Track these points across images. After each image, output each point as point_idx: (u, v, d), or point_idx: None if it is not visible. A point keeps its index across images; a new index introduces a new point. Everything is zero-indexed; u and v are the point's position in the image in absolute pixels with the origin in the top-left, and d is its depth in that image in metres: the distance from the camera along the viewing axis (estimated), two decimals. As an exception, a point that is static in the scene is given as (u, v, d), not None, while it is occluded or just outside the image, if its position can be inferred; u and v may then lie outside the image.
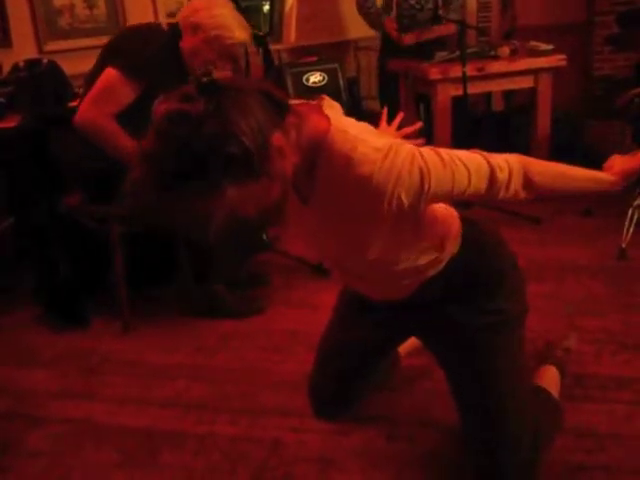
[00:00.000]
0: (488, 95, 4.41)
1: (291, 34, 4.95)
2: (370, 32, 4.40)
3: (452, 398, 1.68)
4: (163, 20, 4.14)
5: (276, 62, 4.47)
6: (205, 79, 1.17)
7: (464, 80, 3.32)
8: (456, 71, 3.37)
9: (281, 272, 3.15)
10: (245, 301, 2.84)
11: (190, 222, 1.28)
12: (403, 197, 1.30)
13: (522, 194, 1.44)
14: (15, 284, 3.16)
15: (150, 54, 2.44)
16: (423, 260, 1.54)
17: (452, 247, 1.58)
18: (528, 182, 1.43)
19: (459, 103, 3.48)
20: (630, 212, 3.09)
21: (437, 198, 1.39)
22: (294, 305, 2.81)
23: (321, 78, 4.44)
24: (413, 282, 1.59)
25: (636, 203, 3.10)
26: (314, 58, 4.53)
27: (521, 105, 4.20)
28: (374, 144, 1.32)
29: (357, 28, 4.80)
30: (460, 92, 3.39)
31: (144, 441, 2.01)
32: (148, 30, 2.60)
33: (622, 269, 2.88)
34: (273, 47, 4.33)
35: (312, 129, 1.33)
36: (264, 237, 3.35)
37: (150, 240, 2.97)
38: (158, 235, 2.96)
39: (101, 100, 2.42)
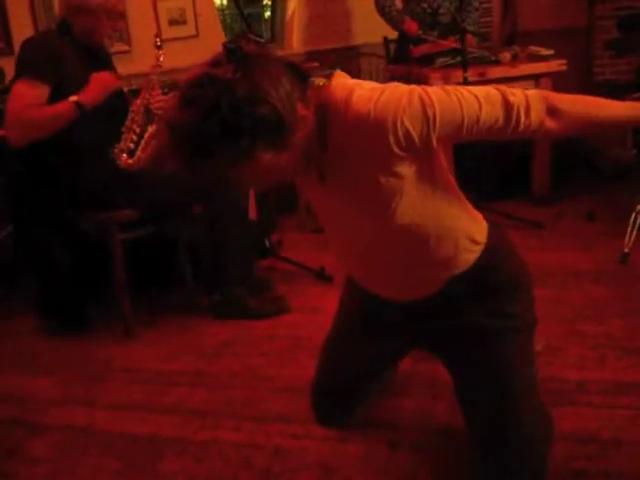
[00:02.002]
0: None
1: (293, 40, 4.96)
2: (373, 38, 4.40)
3: (461, 404, 1.66)
4: (166, 27, 4.18)
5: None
6: (232, 45, 1.18)
7: (465, 85, 3.33)
8: (457, 76, 3.37)
9: (283, 278, 3.15)
10: (269, 302, 2.85)
11: (217, 188, 1.28)
12: (408, 126, 1.27)
13: (550, 123, 1.37)
14: (17, 290, 3.17)
15: (49, 53, 2.49)
16: (459, 248, 1.53)
17: (481, 239, 1.57)
18: (553, 108, 1.37)
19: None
20: (633, 216, 3.08)
21: (449, 132, 1.32)
22: (296, 311, 2.81)
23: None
24: (442, 275, 1.55)
25: (639, 208, 3.09)
26: (316, 64, 4.54)
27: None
28: (371, 85, 1.32)
29: (360, 34, 4.81)
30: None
31: (146, 448, 2.01)
32: (35, 37, 2.67)
33: (625, 274, 2.87)
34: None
35: (323, 95, 1.34)
36: (266, 243, 3.36)
37: (152, 246, 2.98)
38: (160, 241, 2.98)
39: (16, 102, 2.46)
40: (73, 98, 2.44)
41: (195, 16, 4.29)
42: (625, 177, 3.86)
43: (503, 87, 1.37)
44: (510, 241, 1.70)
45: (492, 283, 1.61)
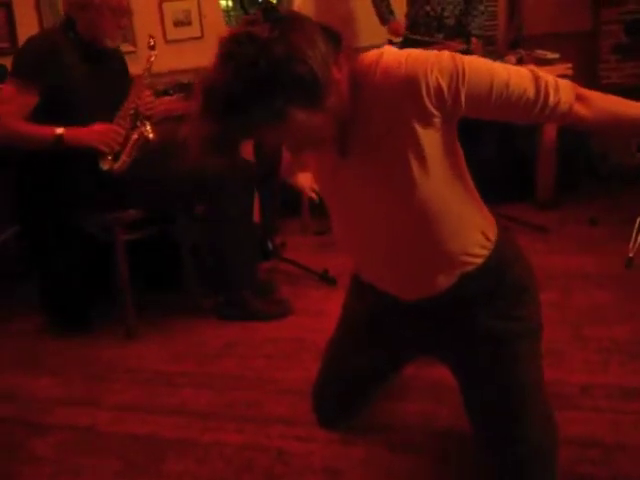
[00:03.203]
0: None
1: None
2: (378, 39, 4.39)
3: (467, 410, 1.65)
4: (171, 28, 4.18)
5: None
6: (268, 6, 1.19)
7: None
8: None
9: (287, 280, 3.15)
10: (272, 304, 2.85)
11: (253, 150, 1.29)
12: (438, 76, 1.27)
13: (579, 108, 1.37)
14: (21, 290, 3.17)
15: (38, 56, 2.48)
16: (471, 242, 1.52)
17: (492, 237, 1.56)
18: (581, 95, 1.37)
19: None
20: (638, 221, 3.08)
21: (478, 92, 1.31)
22: (300, 313, 2.80)
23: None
24: (453, 270, 1.54)
25: (644, 212, 3.09)
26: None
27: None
28: (400, 50, 1.34)
29: (364, 36, 4.79)
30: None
31: (148, 449, 2.01)
32: (37, 36, 2.63)
33: (629, 278, 2.86)
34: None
35: (355, 60, 1.35)
36: (269, 245, 3.35)
37: (155, 246, 2.98)
38: (163, 242, 2.98)
39: (2, 109, 2.46)
40: (59, 131, 2.42)
41: (200, 17, 4.29)
42: (629, 182, 3.86)
43: (531, 66, 1.38)
44: (518, 244, 1.70)
45: (501, 285, 1.60)
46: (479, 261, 1.55)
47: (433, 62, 1.29)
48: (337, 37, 1.29)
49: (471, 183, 1.55)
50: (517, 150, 4.00)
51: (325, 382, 1.92)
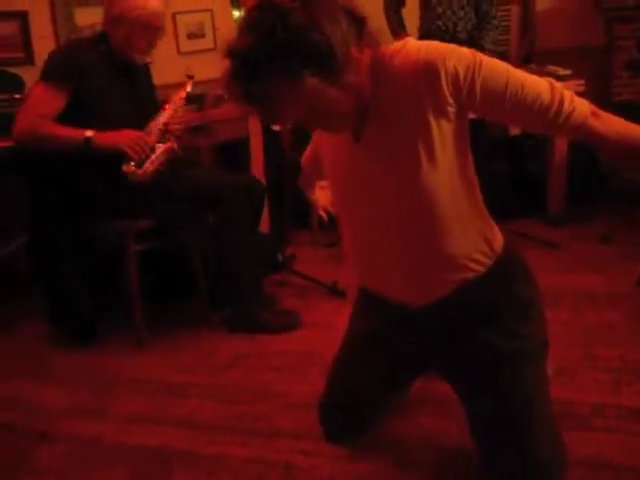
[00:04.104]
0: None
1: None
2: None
3: (472, 429, 1.65)
4: (184, 40, 4.20)
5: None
6: None
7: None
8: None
9: (296, 292, 3.15)
10: (280, 317, 2.84)
11: (274, 114, 1.34)
12: (456, 64, 1.31)
13: (592, 121, 1.37)
14: (31, 298, 3.18)
15: (69, 60, 2.51)
16: (472, 246, 1.52)
17: (497, 248, 1.56)
18: (596, 112, 1.39)
19: (477, 127, 3.47)
20: (650, 239, 3.07)
21: (493, 89, 1.33)
22: (309, 326, 2.80)
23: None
24: (454, 275, 1.53)
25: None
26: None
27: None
28: (422, 41, 1.39)
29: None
30: (477, 116, 3.38)
31: (155, 460, 2.00)
32: (68, 43, 2.71)
33: (640, 297, 2.84)
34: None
35: (378, 48, 1.39)
36: (279, 257, 3.35)
37: (166, 256, 2.99)
38: (174, 253, 2.99)
39: (31, 109, 2.49)
40: (89, 133, 2.44)
41: (213, 29, 4.31)
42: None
43: (549, 78, 1.41)
44: (524, 259, 1.69)
45: (506, 299, 1.59)
46: (481, 269, 1.55)
47: (452, 51, 1.33)
48: (361, 21, 1.33)
49: (479, 194, 1.55)
50: (528, 165, 3.99)
51: (331, 396, 1.91)
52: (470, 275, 1.54)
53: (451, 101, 1.34)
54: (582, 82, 3.53)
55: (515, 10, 4.61)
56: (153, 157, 2.59)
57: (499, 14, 3.95)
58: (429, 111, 1.35)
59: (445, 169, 1.42)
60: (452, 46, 1.35)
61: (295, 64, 1.22)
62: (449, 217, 1.47)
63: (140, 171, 2.56)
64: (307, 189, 2.08)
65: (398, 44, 1.40)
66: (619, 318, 2.66)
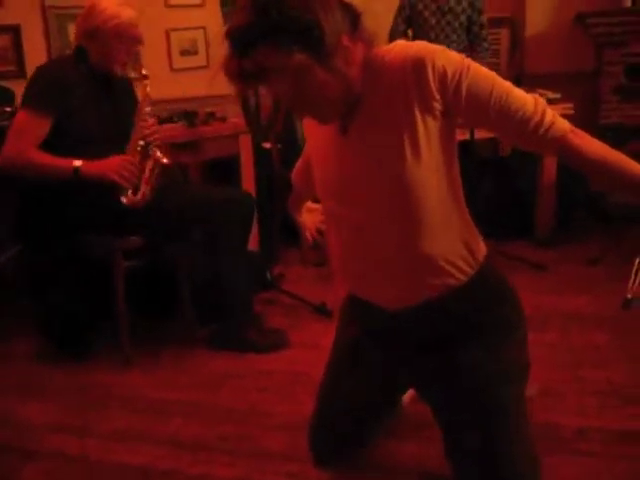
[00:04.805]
0: (495, 140, 4.44)
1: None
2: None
3: (447, 449, 1.64)
4: (177, 57, 4.22)
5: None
6: None
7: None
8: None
9: (284, 311, 3.14)
10: (268, 335, 2.83)
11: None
12: (445, 63, 1.35)
13: (571, 136, 1.40)
14: (17, 313, 3.16)
15: (51, 85, 2.51)
16: (452, 250, 1.52)
17: (480, 258, 1.57)
18: (575, 129, 1.42)
19: (465, 147, 3.50)
20: (637, 261, 3.08)
21: (478, 95, 1.37)
22: (296, 346, 2.79)
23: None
24: (435, 280, 1.53)
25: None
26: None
27: (528, 152, 4.22)
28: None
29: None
30: (467, 136, 3.41)
31: (139, 479, 1.98)
32: (47, 65, 2.66)
33: (627, 319, 2.85)
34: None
35: (372, 46, 1.45)
36: (268, 275, 3.35)
37: (153, 274, 2.98)
38: (161, 270, 2.98)
39: (15, 137, 2.49)
40: (77, 163, 2.44)
41: (206, 47, 4.33)
42: (629, 221, 3.87)
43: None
44: (508, 281, 1.69)
45: (491, 319, 1.60)
46: (462, 278, 1.55)
47: (442, 51, 1.38)
48: (356, 16, 1.40)
49: (463, 202, 1.56)
50: (517, 187, 4.02)
51: (318, 417, 1.90)
52: (451, 281, 1.54)
53: (437, 97, 1.37)
54: (571, 105, 3.58)
55: (505, 34, 4.66)
56: (145, 177, 2.59)
57: (489, 37, 4.00)
58: (415, 105, 1.38)
59: (430, 167, 1.44)
60: (442, 47, 1.40)
61: (286, 40, 1.29)
62: (431, 216, 1.48)
63: (139, 197, 2.58)
64: (295, 211, 2.09)
65: (390, 45, 1.46)
66: (606, 340, 2.67)
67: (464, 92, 1.37)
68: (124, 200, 2.55)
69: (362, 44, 1.42)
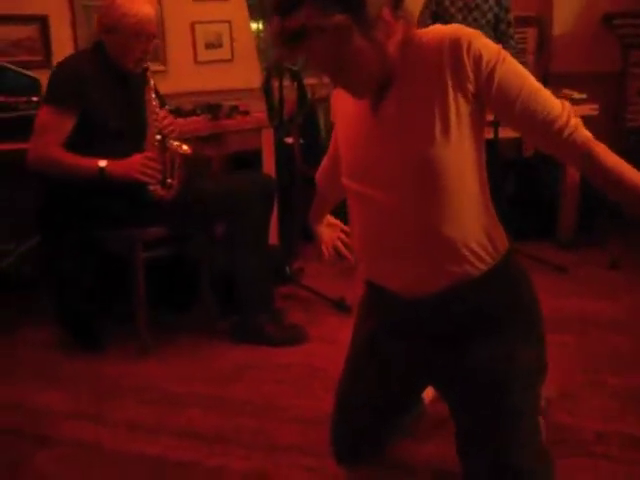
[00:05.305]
0: (519, 140, 4.41)
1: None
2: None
3: (458, 448, 1.62)
4: (202, 50, 4.23)
5: (309, 96, 4.50)
6: None
7: (495, 124, 3.32)
8: (488, 115, 3.37)
9: (303, 306, 3.14)
10: (286, 330, 2.84)
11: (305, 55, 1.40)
12: (481, 47, 1.37)
13: (594, 143, 1.41)
14: (35, 302, 3.19)
15: (73, 80, 2.52)
16: (473, 236, 1.50)
17: (500, 249, 1.55)
18: (595, 139, 1.42)
19: (489, 147, 3.47)
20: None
21: (510, 86, 1.39)
22: (314, 340, 2.79)
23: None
24: (454, 269, 1.51)
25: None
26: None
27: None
28: None
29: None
30: (491, 135, 3.38)
31: (153, 469, 1.99)
32: (66, 61, 2.66)
33: (648, 324, 2.82)
34: (307, 81, 4.38)
35: (410, 27, 1.46)
36: (287, 270, 3.35)
37: (172, 265, 2.99)
38: (181, 260, 2.99)
39: (41, 135, 2.51)
40: (102, 163, 2.47)
41: (231, 40, 4.34)
42: (653, 226, 3.82)
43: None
44: (527, 274, 1.67)
45: (511, 314, 1.58)
46: (482, 267, 1.53)
47: (480, 36, 1.41)
48: None
49: (488, 192, 1.55)
50: (540, 188, 3.98)
51: (339, 413, 1.88)
52: (471, 270, 1.52)
53: (471, 77, 1.38)
54: (596, 106, 3.54)
55: (532, 33, 4.62)
56: (169, 171, 2.61)
57: (516, 36, 3.97)
58: (449, 84, 1.39)
59: (458, 149, 1.44)
60: (480, 32, 1.41)
61: (328, 2, 1.32)
62: (454, 199, 1.47)
63: (167, 191, 2.60)
64: (316, 220, 2.08)
65: (429, 27, 1.48)
66: (626, 344, 2.64)
67: (496, 81, 1.38)
68: (154, 197, 2.57)
69: (402, 23, 1.43)
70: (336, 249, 2.05)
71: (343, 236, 2.03)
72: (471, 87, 1.39)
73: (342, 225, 2.05)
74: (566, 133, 1.40)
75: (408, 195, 1.50)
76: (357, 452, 1.89)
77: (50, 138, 2.49)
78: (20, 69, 3.37)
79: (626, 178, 1.40)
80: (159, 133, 2.62)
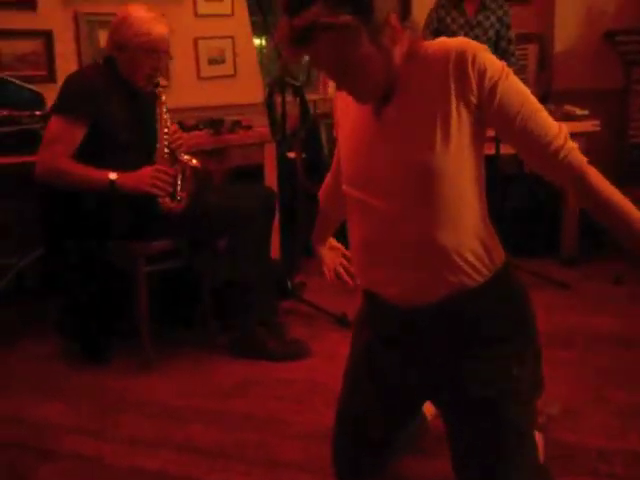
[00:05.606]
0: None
1: (328, 85, 5.02)
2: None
3: (453, 464, 1.61)
4: (205, 66, 4.25)
5: (312, 112, 4.52)
6: None
7: (497, 140, 3.33)
8: (489, 131, 3.37)
9: (304, 321, 3.14)
10: (288, 345, 2.83)
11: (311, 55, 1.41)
12: (486, 61, 1.39)
13: (588, 167, 1.43)
14: (39, 314, 3.18)
15: (84, 91, 2.54)
16: (467, 246, 1.50)
17: (496, 261, 1.54)
18: (587, 160, 1.44)
19: (490, 162, 3.47)
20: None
21: (510, 104, 1.40)
22: (315, 355, 2.79)
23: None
24: (451, 279, 1.50)
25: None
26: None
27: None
28: None
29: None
30: (492, 151, 3.39)
31: (154, 485, 1.98)
32: (78, 72, 2.70)
33: (651, 341, 2.81)
34: (309, 97, 4.40)
35: (417, 37, 1.48)
36: (289, 284, 3.35)
37: (176, 280, 2.99)
38: (183, 275, 2.99)
39: (50, 146, 2.51)
40: (113, 176, 2.47)
41: (234, 56, 4.37)
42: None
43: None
44: (524, 288, 1.66)
45: (507, 330, 1.57)
46: (478, 278, 1.51)
47: (486, 50, 1.42)
48: (408, 4, 1.44)
49: (485, 203, 1.55)
50: (542, 204, 3.98)
51: (339, 427, 1.87)
52: (467, 280, 1.51)
53: (475, 90, 1.39)
54: (598, 122, 3.55)
55: (533, 49, 4.64)
56: (179, 183, 2.62)
57: (517, 53, 3.98)
58: (452, 94, 1.40)
59: (457, 158, 1.44)
60: (485, 46, 1.43)
61: (337, 3, 1.33)
62: (451, 207, 1.47)
63: (176, 203, 2.61)
64: (319, 241, 2.07)
65: (434, 40, 1.50)
66: (630, 361, 2.63)
67: (498, 97, 1.39)
68: (163, 209, 2.58)
69: (409, 34, 1.45)
70: (337, 274, 2.04)
71: (344, 262, 2.03)
72: (474, 99, 1.40)
73: (344, 249, 2.04)
74: (562, 155, 1.41)
75: (408, 202, 1.50)
76: (358, 468, 1.87)
77: (60, 149, 2.49)
78: (22, 82, 3.38)
79: (615, 204, 1.42)
80: (169, 147, 2.64)
